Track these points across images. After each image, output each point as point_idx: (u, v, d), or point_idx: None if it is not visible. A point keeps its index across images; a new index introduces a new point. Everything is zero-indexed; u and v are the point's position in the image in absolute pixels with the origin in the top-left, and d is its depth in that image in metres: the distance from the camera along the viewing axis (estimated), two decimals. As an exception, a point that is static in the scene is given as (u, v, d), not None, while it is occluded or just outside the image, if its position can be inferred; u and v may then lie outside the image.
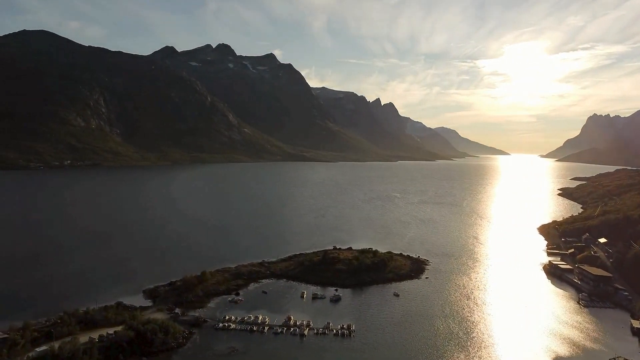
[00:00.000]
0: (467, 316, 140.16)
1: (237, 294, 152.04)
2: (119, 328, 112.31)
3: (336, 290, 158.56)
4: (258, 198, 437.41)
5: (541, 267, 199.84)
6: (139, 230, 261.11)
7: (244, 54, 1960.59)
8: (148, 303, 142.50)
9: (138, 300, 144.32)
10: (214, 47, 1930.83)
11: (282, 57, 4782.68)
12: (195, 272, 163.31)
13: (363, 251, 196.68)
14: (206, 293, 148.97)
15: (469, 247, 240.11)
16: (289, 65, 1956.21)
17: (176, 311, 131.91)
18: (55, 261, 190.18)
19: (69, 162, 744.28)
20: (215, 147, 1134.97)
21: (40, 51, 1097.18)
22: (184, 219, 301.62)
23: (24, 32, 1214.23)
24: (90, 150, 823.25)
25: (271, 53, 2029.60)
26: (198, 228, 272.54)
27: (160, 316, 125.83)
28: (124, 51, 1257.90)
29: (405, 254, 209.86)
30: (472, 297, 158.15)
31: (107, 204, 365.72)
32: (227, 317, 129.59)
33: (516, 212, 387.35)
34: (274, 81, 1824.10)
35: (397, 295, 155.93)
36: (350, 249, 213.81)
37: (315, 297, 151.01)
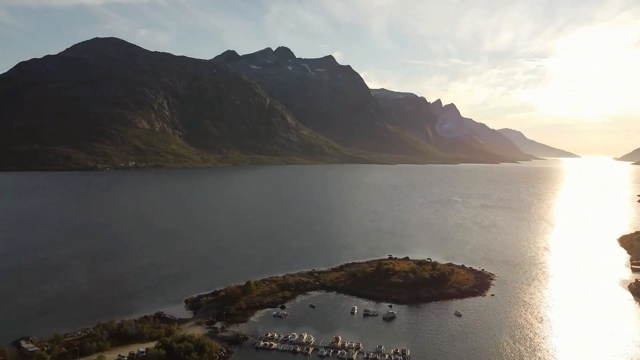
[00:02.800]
0: (540, 342, 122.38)
1: (283, 307, 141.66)
2: (152, 344, 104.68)
3: (390, 306, 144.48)
4: (313, 201, 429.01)
5: (625, 286, 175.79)
6: (189, 233, 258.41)
7: (303, 57, 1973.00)
8: (189, 314, 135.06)
9: (179, 311, 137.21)
10: (274, 50, 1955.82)
11: (341, 59, 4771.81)
12: (241, 282, 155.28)
13: (421, 262, 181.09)
14: (250, 305, 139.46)
15: (539, 259, 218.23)
16: (348, 67, 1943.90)
17: (216, 325, 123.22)
18: (103, 264, 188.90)
19: (133, 163, 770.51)
20: (274, 149, 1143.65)
21: (110, 57, 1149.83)
22: (236, 223, 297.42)
23: (95, 40, 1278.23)
24: (154, 152, 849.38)
25: (330, 55, 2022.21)
26: (250, 232, 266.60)
27: (198, 331, 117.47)
28: (188, 56, 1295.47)
29: (468, 266, 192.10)
30: (546, 320, 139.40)
31: (162, 206, 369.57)
32: (269, 335, 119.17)
33: (591, 220, 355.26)
34: (332, 83, 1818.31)
35: (459, 314, 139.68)
36: (407, 258, 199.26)
37: (366, 314, 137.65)
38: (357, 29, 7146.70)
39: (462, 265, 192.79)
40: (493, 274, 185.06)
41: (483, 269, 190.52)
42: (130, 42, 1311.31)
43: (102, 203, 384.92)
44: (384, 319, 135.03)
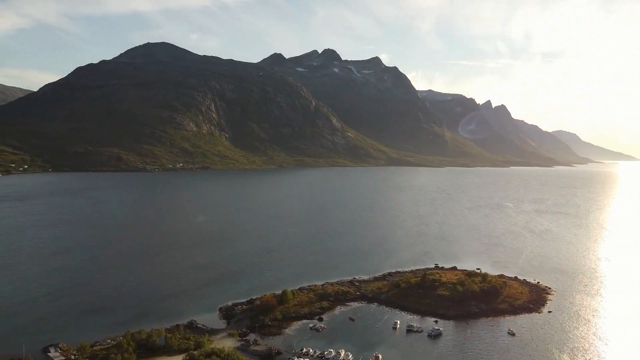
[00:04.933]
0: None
1: (320, 319, 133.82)
2: (179, 358, 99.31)
3: (436, 322, 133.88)
4: (357, 204, 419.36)
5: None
6: (232, 235, 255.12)
7: (350, 59, 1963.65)
8: (222, 324, 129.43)
9: (212, 320, 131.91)
10: (319, 52, 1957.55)
11: (388, 60, 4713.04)
12: (278, 289, 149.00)
13: (470, 273, 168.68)
14: (285, 316, 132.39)
15: (600, 272, 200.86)
16: (395, 69, 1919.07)
17: (248, 338, 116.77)
18: (145, 266, 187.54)
19: (180, 165, 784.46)
20: (319, 151, 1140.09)
21: (161, 62, 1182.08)
22: (278, 225, 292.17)
23: (147, 45, 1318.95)
24: (201, 154, 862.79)
25: (376, 57, 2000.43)
26: (292, 236, 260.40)
27: (229, 343, 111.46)
28: (235, 59, 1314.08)
29: (521, 279, 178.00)
30: (611, 341, 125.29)
31: (206, 207, 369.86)
32: (304, 350, 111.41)
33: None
34: (378, 85, 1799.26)
35: (512, 334, 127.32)
36: (454, 268, 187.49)
37: (410, 330, 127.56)
38: (404, 30, 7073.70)
39: (515, 277, 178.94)
40: (549, 288, 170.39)
41: (538, 282, 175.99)
42: (181, 46, 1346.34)
43: (148, 204, 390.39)
44: (429, 336, 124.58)
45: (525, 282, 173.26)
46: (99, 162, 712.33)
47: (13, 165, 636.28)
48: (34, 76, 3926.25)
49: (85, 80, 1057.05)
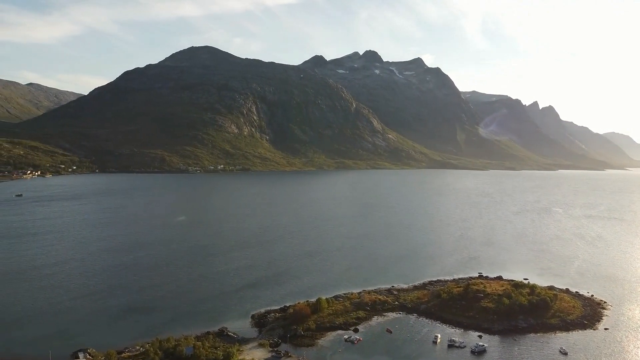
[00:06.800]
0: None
1: (356, 330, 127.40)
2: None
3: (480, 337, 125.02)
4: (398, 207, 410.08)
5: None
6: (269, 238, 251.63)
7: (391, 60, 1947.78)
8: (253, 333, 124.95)
9: (243, 328, 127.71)
10: (361, 54, 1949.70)
11: (431, 61, 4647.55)
12: (312, 297, 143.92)
13: (517, 285, 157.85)
14: (319, 326, 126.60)
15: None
16: (437, 69, 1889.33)
17: (279, 349, 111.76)
18: (183, 268, 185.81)
19: (222, 166, 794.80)
20: (359, 153, 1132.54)
21: (205, 65, 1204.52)
22: (317, 229, 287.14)
23: (191, 49, 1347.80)
24: (242, 156, 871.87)
25: (418, 57, 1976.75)
26: (332, 239, 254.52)
27: (259, 354, 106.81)
28: (277, 62, 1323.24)
29: (573, 291, 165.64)
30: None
31: (247, 209, 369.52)
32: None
33: None
34: (420, 86, 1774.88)
35: (564, 352, 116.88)
36: (500, 278, 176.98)
37: (451, 345, 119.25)
38: (448, 30, 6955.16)
39: (567, 289, 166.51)
40: (605, 302, 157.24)
41: (592, 295, 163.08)
42: (224, 50, 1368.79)
43: (190, 205, 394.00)
44: (472, 352, 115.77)
45: (577, 295, 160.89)
46: (144, 164, 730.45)
47: (63, 166, 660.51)
48: (86, 81, 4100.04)
49: (132, 84, 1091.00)
